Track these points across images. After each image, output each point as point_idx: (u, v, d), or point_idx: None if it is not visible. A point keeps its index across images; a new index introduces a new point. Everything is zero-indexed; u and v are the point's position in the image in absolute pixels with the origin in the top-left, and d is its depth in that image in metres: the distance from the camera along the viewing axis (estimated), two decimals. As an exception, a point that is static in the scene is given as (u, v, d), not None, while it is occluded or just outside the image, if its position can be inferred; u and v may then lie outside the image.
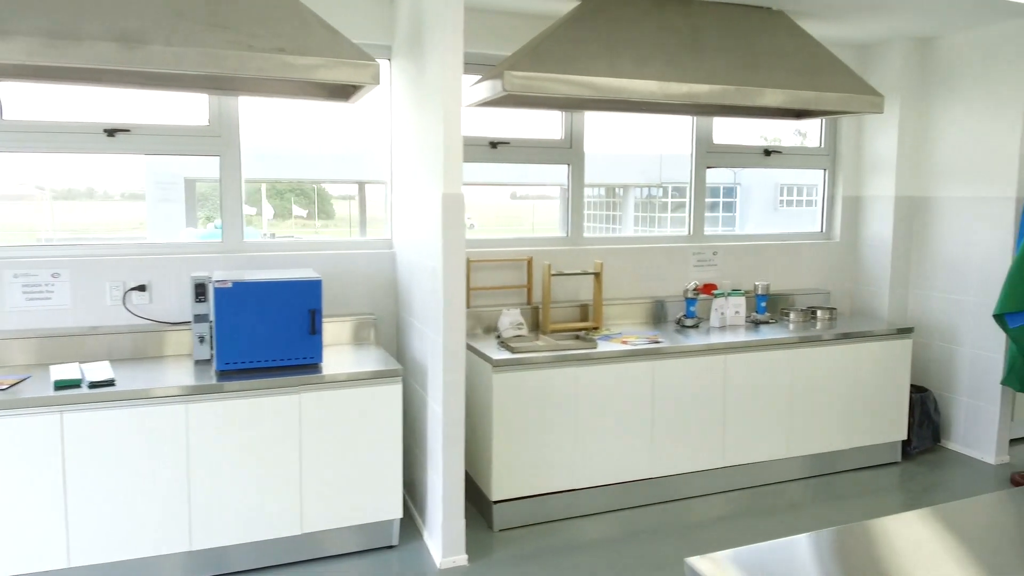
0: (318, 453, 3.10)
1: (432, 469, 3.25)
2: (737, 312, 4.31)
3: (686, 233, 4.69)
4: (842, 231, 5.01)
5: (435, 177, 3.09)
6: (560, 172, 4.35)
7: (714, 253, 4.64)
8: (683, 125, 4.61)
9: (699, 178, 4.66)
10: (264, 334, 3.08)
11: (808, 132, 5.09)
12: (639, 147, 5.23)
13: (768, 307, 4.65)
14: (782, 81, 3.72)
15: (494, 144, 4.13)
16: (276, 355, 3.12)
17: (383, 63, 3.85)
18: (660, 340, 3.82)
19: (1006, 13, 4.02)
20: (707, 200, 4.71)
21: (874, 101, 3.90)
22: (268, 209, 4.84)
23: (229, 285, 3.03)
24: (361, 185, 4.34)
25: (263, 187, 4.62)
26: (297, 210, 5.49)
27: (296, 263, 3.68)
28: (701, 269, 4.61)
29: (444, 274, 3.03)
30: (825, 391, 4.10)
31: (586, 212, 4.41)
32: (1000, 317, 3.99)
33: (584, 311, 4.25)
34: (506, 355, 3.46)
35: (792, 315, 4.48)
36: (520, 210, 6.48)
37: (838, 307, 4.93)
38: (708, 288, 4.54)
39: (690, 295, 4.25)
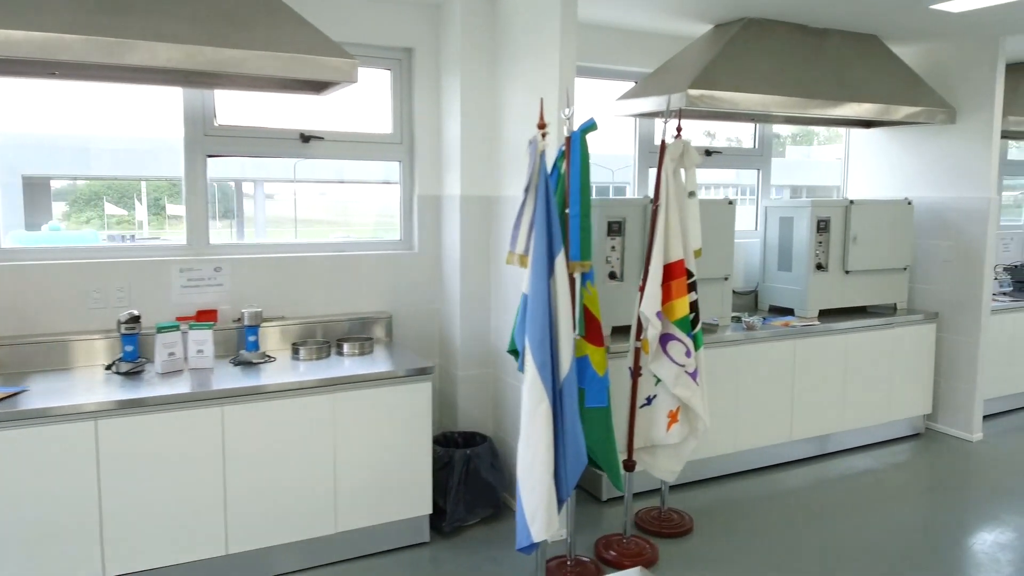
0: None
1: None
2: (201, 351, 3.20)
3: (183, 243, 3.56)
4: (421, 239, 3.99)
5: None
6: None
7: (217, 269, 3.53)
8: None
9: (195, 170, 3.54)
10: None
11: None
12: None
13: (271, 339, 3.58)
14: (163, 32, 2.64)
15: None
16: None
17: None
18: (-7, 401, 2.66)
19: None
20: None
21: (331, 66, 2.86)
22: None
23: None
24: None
25: None
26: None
27: None
28: (197, 290, 3.49)
29: None
30: (306, 457, 3.03)
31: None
32: (517, 354, 3.02)
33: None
34: None
35: (303, 351, 3.42)
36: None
37: (399, 335, 3.91)
38: (205, 315, 3.45)
39: (125, 329, 3.11)
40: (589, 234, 2.90)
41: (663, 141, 3.12)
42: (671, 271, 3.09)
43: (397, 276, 3.92)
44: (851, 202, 4.57)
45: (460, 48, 3.67)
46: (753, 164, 5.12)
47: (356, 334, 3.75)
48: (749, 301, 4.94)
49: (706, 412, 3.22)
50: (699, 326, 3.27)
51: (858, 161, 5.46)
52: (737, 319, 4.32)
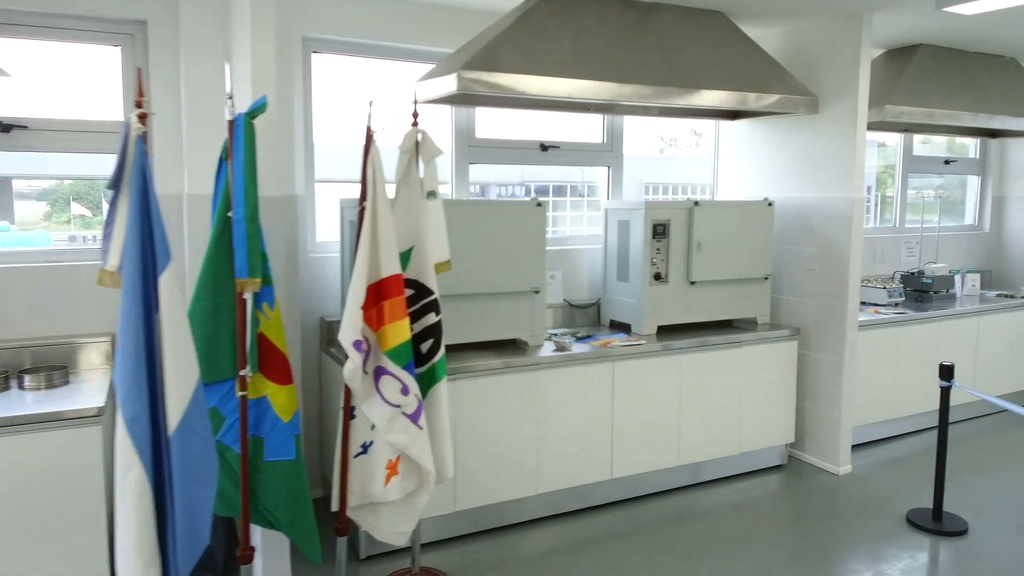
0: None
1: None
2: None
3: None
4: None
5: None
6: None
7: None
8: None
9: None
10: None
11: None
12: None
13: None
14: None
15: None
16: None
17: None
18: None
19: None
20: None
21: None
22: None
23: None
24: None
25: None
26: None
27: None
28: None
29: None
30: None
31: None
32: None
33: None
34: None
35: (-33, 385, 2.80)
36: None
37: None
38: None
39: None
40: (259, 243, 2.31)
41: (368, 129, 2.52)
42: (384, 289, 2.50)
43: (132, 291, 3.31)
44: (695, 203, 3.99)
45: (184, 21, 3.07)
46: (602, 160, 4.53)
47: (60, 361, 3.14)
48: (592, 316, 4.36)
49: (438, 461, 2.63)
50: (439, 355, 2.69)
51: (727, 157, 4.90)
52: (550, 338, 3.74)
